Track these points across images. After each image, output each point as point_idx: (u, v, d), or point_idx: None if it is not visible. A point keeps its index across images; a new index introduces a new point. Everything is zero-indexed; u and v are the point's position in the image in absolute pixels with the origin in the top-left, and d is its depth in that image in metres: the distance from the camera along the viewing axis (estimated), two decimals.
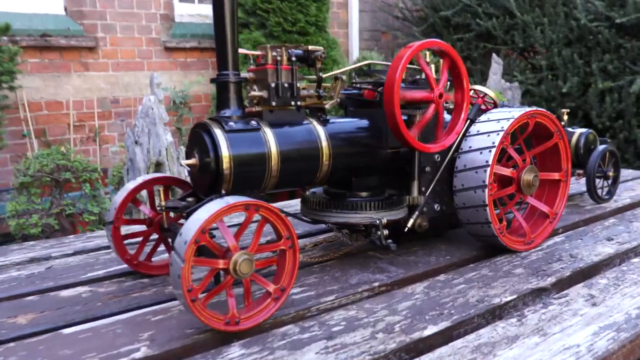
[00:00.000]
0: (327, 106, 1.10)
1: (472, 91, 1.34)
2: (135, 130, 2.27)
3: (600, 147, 1.66)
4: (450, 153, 1.22)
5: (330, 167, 1.06)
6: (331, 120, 1.12)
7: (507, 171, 1.21)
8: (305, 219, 1.12)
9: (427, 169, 1.20)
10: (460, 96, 1.17)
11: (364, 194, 1.14)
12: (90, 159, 2.98)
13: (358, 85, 1.21)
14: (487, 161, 1.15)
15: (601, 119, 3.39)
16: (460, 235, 1.34)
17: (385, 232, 1.06)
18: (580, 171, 1.68)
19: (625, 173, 2.21)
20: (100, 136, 3.31)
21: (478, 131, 1.20)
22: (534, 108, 1.24)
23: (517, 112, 1.21)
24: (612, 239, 1.32)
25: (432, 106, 1.10)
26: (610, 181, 1.71)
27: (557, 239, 1.34)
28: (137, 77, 3.46)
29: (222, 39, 0.92)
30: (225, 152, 0.89)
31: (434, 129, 1.15)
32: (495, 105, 1.35)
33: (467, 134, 1.21)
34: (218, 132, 0.91)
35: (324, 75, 1.08)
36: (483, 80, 3.62)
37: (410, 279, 1.06)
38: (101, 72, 3.30)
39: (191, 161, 0.92)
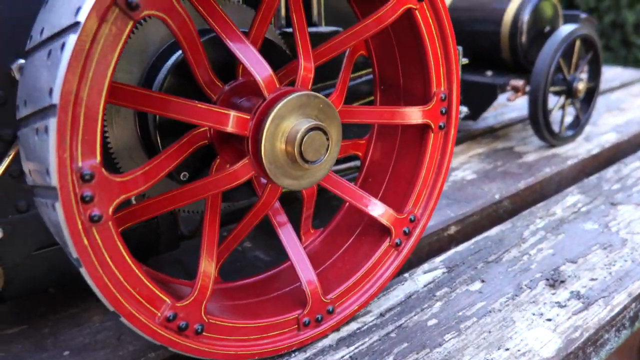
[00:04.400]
0: None
1: None
2: None
3: (564, 30, 0.79)
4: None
5: None
6: None
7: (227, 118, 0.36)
8: None
9: None
10: None
11: None
12: None
13: None
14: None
15: None
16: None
17: None
18: (519, 82, 0.82)
19: (611, 74, 1.35)
20: None
21: None
22: None
23: None
24: (556, 281, 0.50)
25: None
26: (580, 100, 0.86)
27: (418, 281, 0.52)
28: None
29: None
30: None
31: None
32: None
33: None
34: None
35: None
36: None
37: None
38: None
39: None
